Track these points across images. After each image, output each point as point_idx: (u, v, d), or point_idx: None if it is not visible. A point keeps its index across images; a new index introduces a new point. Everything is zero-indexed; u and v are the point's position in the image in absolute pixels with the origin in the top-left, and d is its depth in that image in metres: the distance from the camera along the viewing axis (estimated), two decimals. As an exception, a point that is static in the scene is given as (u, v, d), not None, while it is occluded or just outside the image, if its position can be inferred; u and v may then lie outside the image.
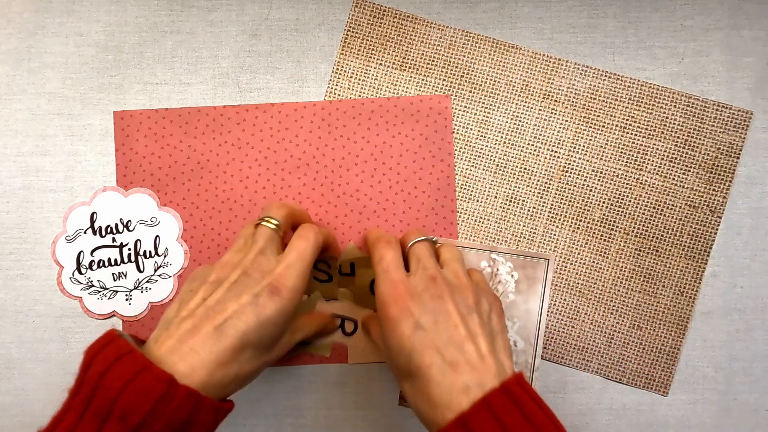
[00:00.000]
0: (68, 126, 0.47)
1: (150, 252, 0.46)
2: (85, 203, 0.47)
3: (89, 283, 0.46)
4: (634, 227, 0.47)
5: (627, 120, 0.47)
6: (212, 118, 0.47)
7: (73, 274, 0.46)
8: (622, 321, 0.46)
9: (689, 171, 0.47)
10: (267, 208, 0.39)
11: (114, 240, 0.46)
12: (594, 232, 0.47)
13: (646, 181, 0.47)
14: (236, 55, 0.48)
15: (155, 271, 0.46)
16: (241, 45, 0.48)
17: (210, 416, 0.31)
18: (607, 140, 0.47)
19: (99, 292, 0.46)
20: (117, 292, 0.46)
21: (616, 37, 0.48)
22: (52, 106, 0.48)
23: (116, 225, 0.47)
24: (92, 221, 0.47)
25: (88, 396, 0.29)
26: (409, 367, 0.33)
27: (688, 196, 0.47)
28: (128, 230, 0.47)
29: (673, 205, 0.47)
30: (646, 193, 0.47)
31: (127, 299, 0.46)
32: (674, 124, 0.47)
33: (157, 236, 0.46)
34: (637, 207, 0.47)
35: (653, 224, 0.47)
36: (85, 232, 0.47)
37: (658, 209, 0.47)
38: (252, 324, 0.33)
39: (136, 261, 0.46)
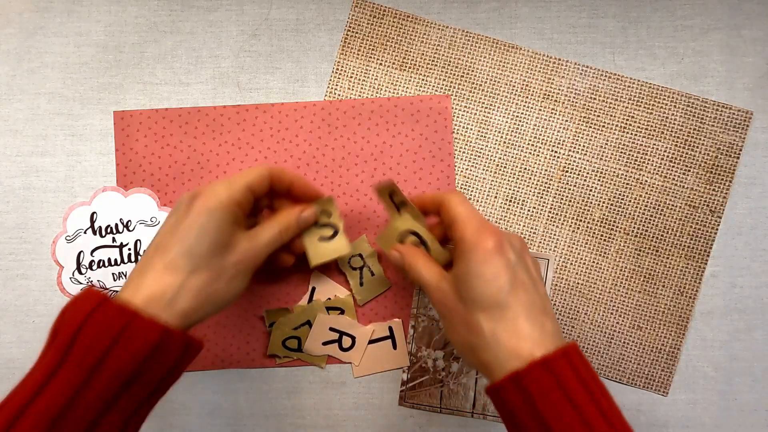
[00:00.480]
0: (68, 126, 0.47)
1: (150, 252, 0.46)
2: (85, 203, 0.47)
3: (89, 283, 0.46)
4: (634, 227, 0.47)
5: (627, 120, 0.47)
6: (212, 118, 0.47)
7: (73, 274, 0.46)
8: (622, 321, 0.46)
9: (689, 171, 0.47)
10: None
11: (114, 240, 0.46)
12: (594, 232, 0.47)
13: (646, 181, 0.47)
14: (236, 55, 0.48)
15: (155, 271, 0.46)
16: (241, 45, 0.48)
17: (176, 347, 0.32)
18: (607, 140, 0.47)
19: (99, 292, 0.46)
20: (117, 292, 0.46)
21: (616, 37, 0.48)
22: (52, 106, 0.48)
23: (116, 225, 0.47)
24: (92, 221, 0.47)
25: (55, 332, 0.32)
26: (499, 298, 0.33)
27: (688, 196, 0.47)
28: (128, 230, 0.47)
29: (673, 205, 0.47)
30: (646, 193, 0.47)
31: (127, 299, 0.46)
32: (674, 124, 0.47)
33: (157, 236, 0.46)
34: (637, 207, 0.47)
35: (653, 224, 0.47)
36: (85, 232, 0.47)
37: (658, 209, 0.47)
38: (172, 240, 0.34)
39: (136, 261, 0.46)
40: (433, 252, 0.40)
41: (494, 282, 0.33)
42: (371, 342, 0.46)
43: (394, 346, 0.46)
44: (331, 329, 0.46)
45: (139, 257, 0.46)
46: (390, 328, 0.46)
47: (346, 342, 0.46)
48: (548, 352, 0.31)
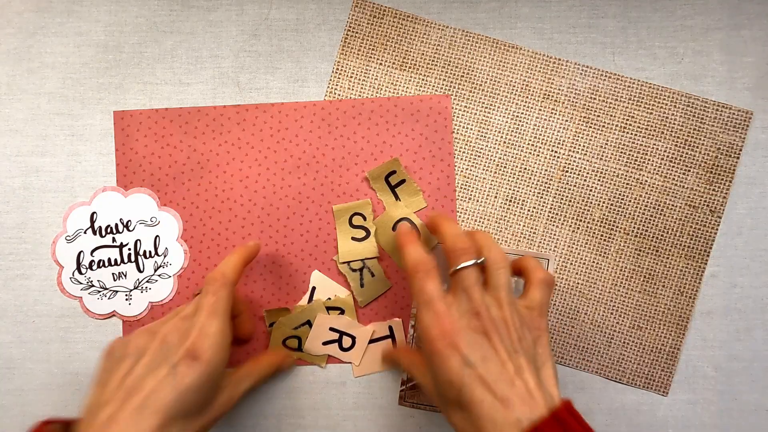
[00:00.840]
0: (68, 126, 0.47)
1: (150, 252, 0.46)
2: (85, 203, 0.47)
3: (89, 283, 0.46)
4: (634, 227, 0.47)
5: (627, 120, 0.47)
6: (212, 117, 0.47)
7: (73, 274, 0.46)
8: (622, 321, 0.46)
9: (689, 171, 0.47)
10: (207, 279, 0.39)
11: (114, 240, 0.46)
12: (594, 232, 0.47)
13: (646, 181, 0.47)
14: (236, 55, 0.48)
15: (155, 271, 0.46)
16: (241, 45, 0.48)
17: None
18: (607, 140, 0.47)
19: (99, 292, 0.46)
20: (117, 292, 0.46)
21: (616, 37, 0.48)
22: (52, 106, 0.48)
23: (116, 225, 0.47)
24: (92, 221, 0.47)
25: None
26: (459, 401, 0.33)
27: (688, 196, 0.47)
28: (128, 230, 0.47)
29: (673, 205, 0.47)
30: (646, 193, 0.47)
31: (127, 299, 0.46)
32: (674, 124, 0.47)
33: (157, 236, 0.46)
34: (637, 207, 0.47)
35: (653, 224, 0.47)
36: (85, 232, 0.47)
37: (658, 209, 0.47)
38: (171, 398, 0.33)
39: (136, 261, 0.46)
40: (423, 238, 0.45)
41: (450, 386, 0.33)
42: (371, 342, 0.46)
43: (395, 346, 0.46)
44: (332, 329, 0.46)
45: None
46: (390, 328, 0.46)
47: (347, 342, 0.46)
48: None
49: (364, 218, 0.46)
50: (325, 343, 0.46)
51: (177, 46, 0.48)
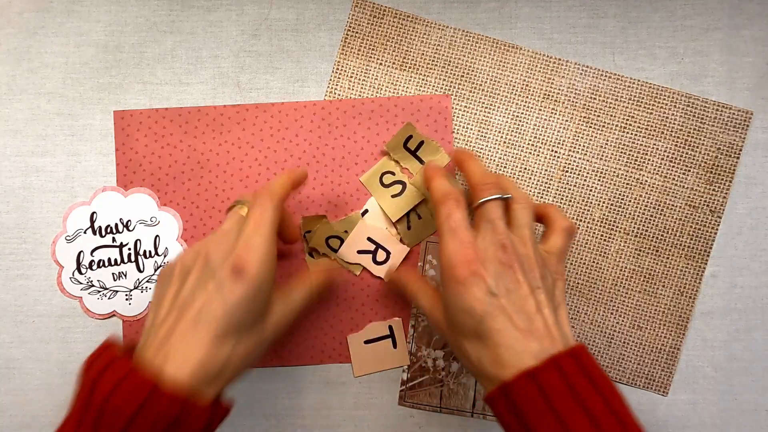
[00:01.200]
0: (68, 126, 0.47)
1: (150, 252, 0.46)
2: (85, 203, 0.47)
3: (89, 283, 0.46)
4: (634, 227, 0.47)
5: (627, 120, 0.47)
6: (212, 117, 0.47)
7: (73, 274, 0.46)
8: (622, 321, 0.46)
9: (689, 171, 0.47)
10: (240, 196, 0.39)
11: (114, 240, 0.46)
12: (594, 232, 0.47)
13: (646, 181, 0.47)
14: (236, 55, 0.48)
15: (155, 270, 0.46)
16: (241, 45, 0.48)
17: (201, 418, 0.32)
18: (607, 140, 0.47)
19: (99, 292, 0.46)
20: (117, 292, 0.46)
21: (616, 37, 0.48)
22: (52, 106, 0.48)
23: (116, 225, 0.47)
24: (92, 221, 0.47)
25: (85, 400, 0.31)
26: (478, 329, 0.33)
27: (688, 196, 0.47)
28: (128, 230, 0.47)
29: (673, 205, 0.47)
30: (646, 193, 0.47)
31: (127, 299, 0.46)
32: (674, 124, 0.47)
33: (157, 236, 0.46)
34: (637, 207, 0.47)
35: (653, 224, 0.47)
36: (85, 232, 0.47)
37: (658, 209, 0.47)
38: (221, 312, 0.33)
39: (136, 261, 0.46)
40: (429, 209, 0.46)
41: (470, 315, 0.33)
42: (369, 342, 0.46)
43: (395, 345, 0.46)
44: (369, 239, 0.46)
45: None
46: (390, 327, 0.46)
47: (381, 255, 0.46)
48: (532, 365, 0.31)
49: (393, 174, 0.46)
50: (360, 252, 0.46)
51: (177, 46, 0.48)
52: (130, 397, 0.30)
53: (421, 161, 0.46)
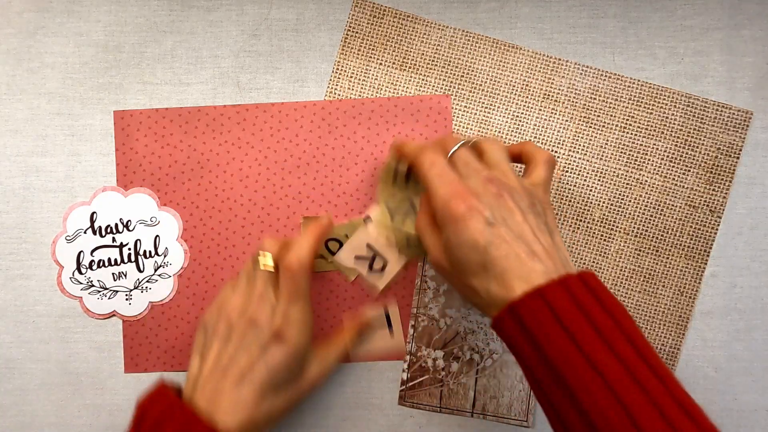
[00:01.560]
0: (68, 126, 0.47)
1: (150, 252, 0.46)
2: (85, 203, 0.47)
3: (89, 283, 0.46)
4: (634, 227, 0.47)
5: (627, 120, 0.47)
6: (212, 117, 0.47)
7: (73, 274, 0.46)
8: (622, 321, 0.46)
9: (689, 171, 0.47)
10: (261, 243, 0.42)
11: (114, 240, 0.46)
12: (594, 232, 0.47)
13: (646, 181, 0.47)
14: (236, 55, 0.48)
15: (155, 270, 0.46)
16: (241, 45, 0.48)
17: None
18: (607, 140, 0.47)
19: (99, 292, 0.46)
20: (117, 291, 0.46)
21: (616, 37, 0.48)
22: (52, 106, 0.48)
23: (116, 225, 0.47)
24: (92, 221, 0.47)
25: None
26: (484, 260, 0.33)
27: (688, 196, 0.47)
28: (128, 230, 0.47)
29: (673, 205, 0.47)
30: (646, 193, 0.47)
31: (127, 299, 0.46)
32: (674, 124, 0.47)
33: (157, 236, 0.46)
34: (637, 207, 0.47)
35: (653, 224, 0.47)
36: (85, 232, 0.47)
37: (658, 209, 0.47)
38: (264, 373, 0.37)
39: (136, 261, 0.46)
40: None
41: (473, 248, 0.34)
42: (365, 330, 0.46)
43: (390, 330, 0.46)
44: (369, 246, 0.46)
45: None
46: (386, 312, 0.46)
47: (378, 264, 0.46)
48: (540, 284, 0.32)
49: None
50: (357, 258, 0.46)
51: (177, 46, 0.48)
52: None
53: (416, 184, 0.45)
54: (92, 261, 0.46)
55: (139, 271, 0.46)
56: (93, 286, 0.46)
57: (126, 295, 0.46)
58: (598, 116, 0.47)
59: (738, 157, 0.47)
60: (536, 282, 0.32)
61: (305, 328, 0.39)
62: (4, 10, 0.48)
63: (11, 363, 0.47)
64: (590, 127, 0.47)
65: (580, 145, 0.47)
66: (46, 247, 0.47)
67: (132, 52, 0.48)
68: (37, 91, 0.48)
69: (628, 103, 0.47)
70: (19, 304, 0.47)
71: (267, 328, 0.38)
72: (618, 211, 0.47)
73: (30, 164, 0.47)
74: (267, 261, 0.40)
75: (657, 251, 0.46)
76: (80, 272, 0.46)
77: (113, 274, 0.46)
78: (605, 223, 0.47)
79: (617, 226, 0.47)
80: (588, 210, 0.47)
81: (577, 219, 0.47)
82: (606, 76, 0.47)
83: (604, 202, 0.47)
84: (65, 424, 0.46)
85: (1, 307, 0.47)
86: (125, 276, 0.46)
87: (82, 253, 0.46)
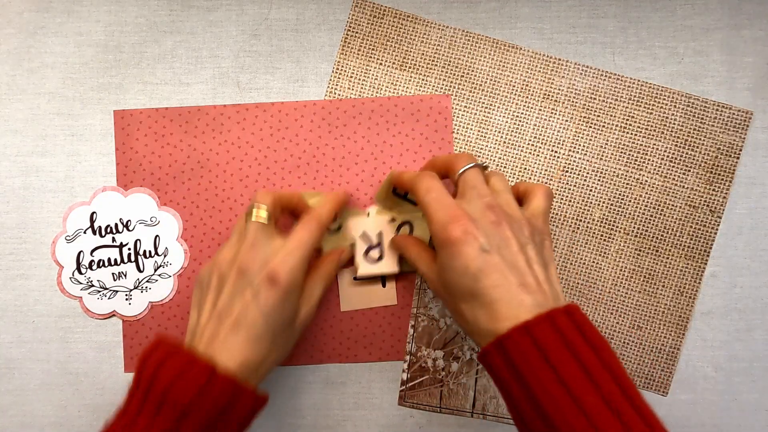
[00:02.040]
0: (68, 126, 0.47)
1: (150, 252, 0.46)
2: (84, 203, 0.47)
3: (89, 283, 0.46)
4: (634, 227, 0.47)
5: (627, 120, 0.47)
6: (212, 117, 0.47)
7: (73, 274, 0.46)
8: (622, 321, 0.46)
9: (689, 171, 0.47)
10: (255, 195, 0.41)
11: (114, 240, 0.46)
12: (594, 232, 0.47)
13: (646, 181, 0.47)
14: (236, 55, 0.48)
15: (155, 270, 0.46)
16: (241, 45, 0.48)
17: (247, 404, 0.36)
18: (607, 140, 0.47)
19: (99, 291, 0.46)
20: (117, 291, 0.46)
21: (616, 37, 0.48)
22: (52, 106, 0.48)
23: (116, 225, 0.47)
24: (92, 221, 0.47)
25: (146, 389, 0.34)
26: (473, 288, 0.34)
27: (688, 196, 0.47)
28: (128, 230, 0.47)
29: (673, 205, 0.47)
30: (646, 193, 0.47)
31: (127, 299, 0.46)
32: (674, 124, 0.47)
33: (157, 236, 0.46)
34: (637, 207, 0.47)
35: (653, 224, 0.47)
36: (84, 232, 0.47)
37: (658, 209, 0.47)
38: (258, 317, 0.37)
39: (136, 261, 0.46)
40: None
41: (464, 274, 0.34)
42: (357, 279, 0.46)
43: (383, 284, 0.46)
44: (379, 234, 0.46)
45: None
46: (381, 274, 0.46)
47: (374, 254, 0.45)
48: (527, 319, 0.32)
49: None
50: (362, 236, 0.45)
51: (177, 46, 0.48)
52: (190, 383, 0.34)
53: (412, 203, 0.46)
54: (92, 261, 0.46)
55: (139, 271, 0.46)
56: (93, 286, 0.46)
57: (126, 295, 0.46)
58: (598, 116, 0.47)
59: (738, 157, 0.47)
60: (524, 316, 0.32)
61: (299, 274, 0.38)
62: (4, 10, 0.48)
63: (11, 363, 0.47)
64: (590, 127, 0.47)
65: (580, 145, 0.47)
66: (46, 247, 0.47)
67: (132, 52, 0.48)
68: (37, 91, 0.48)
69: (628, 103, 0.47)
70: (19, 304, 0.47)
71: (261, 271, 0.38)
72: (618, 211, 0.47)
73: (30, 164, 0.47)
74: (261, 213, 0.40)
75: (657, 251, 0.46)
76: (80, 272, 0.46)
77: (113, 274, 0.46)
78: (605, 223, 0.47)
79: (617, 226, 0.47)
80: (588, 210, 0.47)
81: (577, 219, 0.47)
82: (606, 76, 0.47)
83: (604, 202, 0.47)
84: (65, 424, 0.46)
85: (1, 307, 0.47)
86: (125, 276, 0.46)
87: (82, 253, 0.46)
